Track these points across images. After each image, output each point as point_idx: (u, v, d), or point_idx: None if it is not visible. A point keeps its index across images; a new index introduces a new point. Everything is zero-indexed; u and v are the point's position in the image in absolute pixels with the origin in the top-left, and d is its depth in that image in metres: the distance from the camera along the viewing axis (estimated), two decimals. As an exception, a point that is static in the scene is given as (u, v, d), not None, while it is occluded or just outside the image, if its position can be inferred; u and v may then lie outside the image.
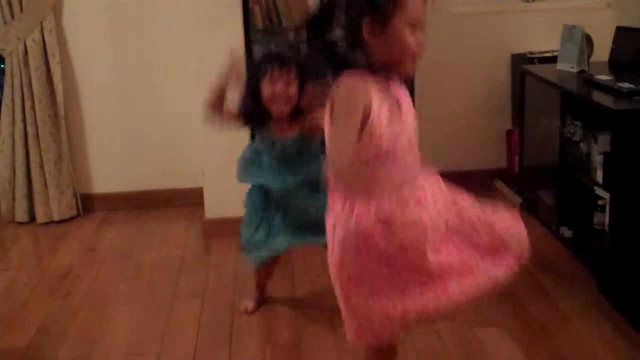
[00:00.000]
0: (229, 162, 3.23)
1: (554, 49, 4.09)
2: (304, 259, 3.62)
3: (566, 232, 3.73)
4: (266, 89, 2.84)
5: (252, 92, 2.87)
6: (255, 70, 2.91)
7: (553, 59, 4.06)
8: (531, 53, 4.32)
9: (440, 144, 4.43)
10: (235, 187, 3.23)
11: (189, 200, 4.39)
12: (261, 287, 3.27)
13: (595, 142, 3.43)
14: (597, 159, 3.39)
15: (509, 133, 4.54)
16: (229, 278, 3.58)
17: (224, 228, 3.94)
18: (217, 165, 3.90)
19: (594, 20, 4.18)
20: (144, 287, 3.53)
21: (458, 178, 4.33)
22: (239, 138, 3.34)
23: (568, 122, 3.66)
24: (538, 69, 4.07)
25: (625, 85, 3.38)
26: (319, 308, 3.20)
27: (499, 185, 4.52)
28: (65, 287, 3.53)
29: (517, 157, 4.40)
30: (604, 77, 3.60)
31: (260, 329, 3.10)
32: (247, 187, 3.12)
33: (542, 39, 4.34)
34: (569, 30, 3.91)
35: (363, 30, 1.81)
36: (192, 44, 3.86)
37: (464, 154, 4.55)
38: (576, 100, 3.61)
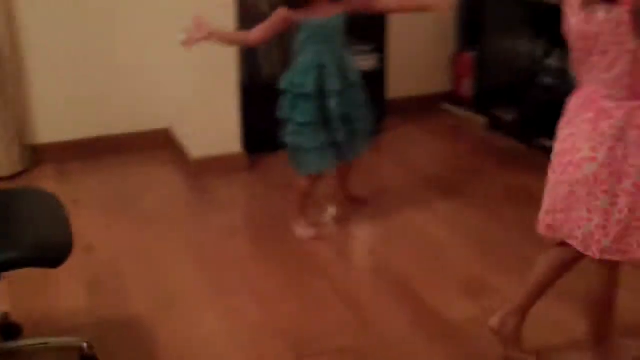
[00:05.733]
0: (211, 96, 3.70)
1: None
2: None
3: (547, 142, 3.95)
4: None
5: None
6: None
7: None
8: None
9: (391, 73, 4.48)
10: (218, 124, 3.74)
11: (150, 143, 4.09)
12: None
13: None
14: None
15: (455, 56, 4.69)
16: (258, 211, 3.51)
17: (214, 166, 3.79)
18: (201, 101, 3.73)
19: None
20: (175, 229, 3.27)
21: (407, 104, 4.57)
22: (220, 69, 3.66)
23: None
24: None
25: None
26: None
27: (448, 107, 4.68)
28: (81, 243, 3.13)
29: (465, 80, 4.58)
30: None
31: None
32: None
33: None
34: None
35: None
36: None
37: (411, 80, 4.64)
38: (544, 13, 3.73)
